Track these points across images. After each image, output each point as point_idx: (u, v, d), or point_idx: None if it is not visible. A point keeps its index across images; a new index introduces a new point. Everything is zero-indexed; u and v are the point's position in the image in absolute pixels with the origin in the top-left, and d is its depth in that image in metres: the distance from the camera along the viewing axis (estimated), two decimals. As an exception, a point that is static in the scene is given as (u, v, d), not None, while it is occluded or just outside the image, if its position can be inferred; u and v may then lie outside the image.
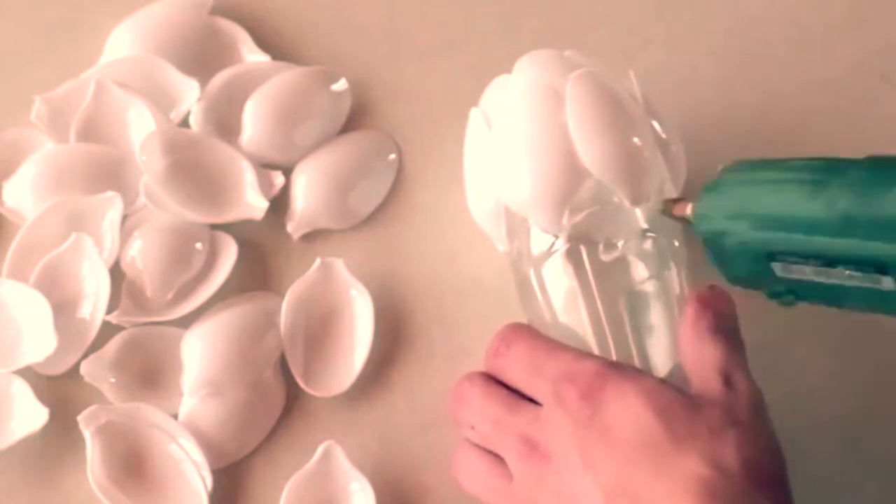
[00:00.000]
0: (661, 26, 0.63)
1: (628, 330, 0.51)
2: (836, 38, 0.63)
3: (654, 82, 0.61)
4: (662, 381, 0.47)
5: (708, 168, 0.59)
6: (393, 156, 0.60)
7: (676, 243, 0.53)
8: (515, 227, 0.53)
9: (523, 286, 0.53)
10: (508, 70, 0.54)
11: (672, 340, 0.50)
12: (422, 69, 0.62)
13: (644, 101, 0.54)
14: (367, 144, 0.60)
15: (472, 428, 0.50)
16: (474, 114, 0.54)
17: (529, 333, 0.51)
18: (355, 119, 0.61)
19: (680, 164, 0.55)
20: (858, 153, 0.60)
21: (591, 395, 0.46)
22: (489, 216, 0.55)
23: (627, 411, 0.46)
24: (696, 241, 0.51)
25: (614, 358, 0.50)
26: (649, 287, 0.52)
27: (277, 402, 0.55)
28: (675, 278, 0.52)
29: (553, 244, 0.52)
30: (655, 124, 0.54)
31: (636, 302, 0.51)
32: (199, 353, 0.54)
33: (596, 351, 0.50)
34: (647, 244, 0.52)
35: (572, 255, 0.51)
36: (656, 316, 0.51)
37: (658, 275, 0.52)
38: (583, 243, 0.51)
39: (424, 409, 0.54)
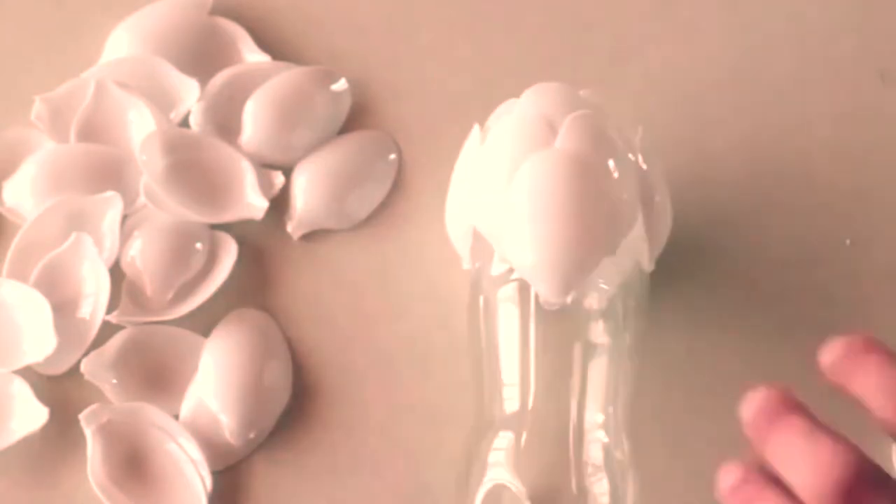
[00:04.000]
0: (661, 26, 0.63)
1: (571, 385, 0.49)
2: (837, 38, 0.63)
3: (654, 82, 0.61)
4: None
5: (709, 168, 0.59)
6: (393, 156, 0.60)
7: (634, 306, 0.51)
8: (481, 248, 0.52)
9: (472, 309, 0.52)
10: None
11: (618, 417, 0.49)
12: (422, 69, 0.62)
13: (642, 153, 0.52)
14: (367, 144, 0.60)
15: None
16: (475, 131, 0.53)
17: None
18: (355, 119, 0.61)
19: (663, 217, 0.53)
20: (859, 153, 0.60)
21: None
22: (460, 233, 0.53)
23: None
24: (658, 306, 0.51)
25: (529, 408, 0.49)
26: (598, 348, 0.50)
27: (278, 403, 0.55)
28: (627, 346, 0.51)
29: (512, 271, 0.50)
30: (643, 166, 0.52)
31: (587, 358, 0.50)
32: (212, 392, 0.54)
33: (516, 398, 0.49)
34: (603, 301, 0.50)
35: (522, 290, 0.50)
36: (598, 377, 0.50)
37: (612, 336, 0.50)
38: None
39: (424, 409, 0.54)
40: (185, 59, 0.60)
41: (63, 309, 0.55)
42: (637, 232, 0.51)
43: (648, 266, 0.52)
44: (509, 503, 0.48)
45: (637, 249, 0.51)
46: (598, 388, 0.50)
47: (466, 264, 0.54)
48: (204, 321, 0.56)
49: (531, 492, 0.48)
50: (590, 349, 0.50)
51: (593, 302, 0.50)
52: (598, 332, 0.51)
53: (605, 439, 0.49)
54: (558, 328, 0.50)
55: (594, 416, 0.49)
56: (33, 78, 0.60)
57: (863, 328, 0.56)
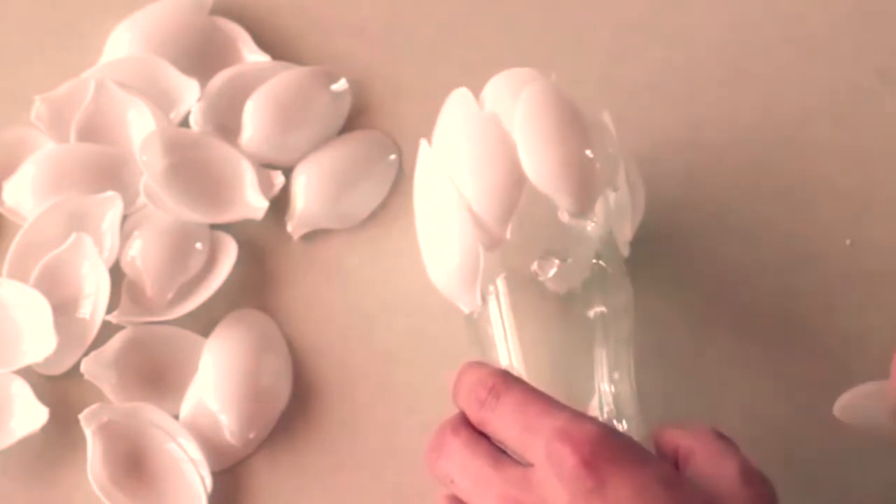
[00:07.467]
0: (661, 26, 0.63)
1: (572, 361, 0.50)
2: (837, 38, 0.63)
3: (654, 82, 0.61)
4: (675, 469, 0.45)
5: (708, 167, 0.59)
6: (393, 156, 0.60)
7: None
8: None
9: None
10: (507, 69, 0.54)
11: (628, 393, 0.50)
12: (422, 69, 0.62)
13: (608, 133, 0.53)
14: (367, 144, 0.60)
15: (452, 482, 0.47)
16: (423, 145, 0.53)
17: (521, 384, 0.46)
18: (355, 119, 0.61)
19: (637, 192, 0.54)
20: (859, 153, 0.60)
21: (594, 465, 0.42)
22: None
23: (640, 498, 0.42)
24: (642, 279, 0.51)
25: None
26: (588, 321, 0.51)
27: (278, 403, 0.55)
28: (626, 320, 0.51)
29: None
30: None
31: (582, 333, 0.50)
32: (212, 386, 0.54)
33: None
34: (596, 272, 0.51)
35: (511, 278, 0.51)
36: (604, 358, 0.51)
37: (611, 310, 0.51)
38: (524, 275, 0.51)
39: (425, 409, 0.54)
40: (185, 59, 0.60)
41: (63, 309, 0.55)
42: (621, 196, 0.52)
43: (626, 243, 0.52)
44: None
45: (615, 218, 0.52)
46: (601, 359, 0.50)
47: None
48: (204, 321, 0.56)
49: None
50: (581, 323, 0.51)
51: (576, 275, 0.51)
52: (585, 306, 0.51)
53: (614, 411, 0.50)
54: (552, 309, 0.51)
55: (602, 387, 0.50)
56: (33, 78, 0.60)
57: (862, 329, 0.56)
